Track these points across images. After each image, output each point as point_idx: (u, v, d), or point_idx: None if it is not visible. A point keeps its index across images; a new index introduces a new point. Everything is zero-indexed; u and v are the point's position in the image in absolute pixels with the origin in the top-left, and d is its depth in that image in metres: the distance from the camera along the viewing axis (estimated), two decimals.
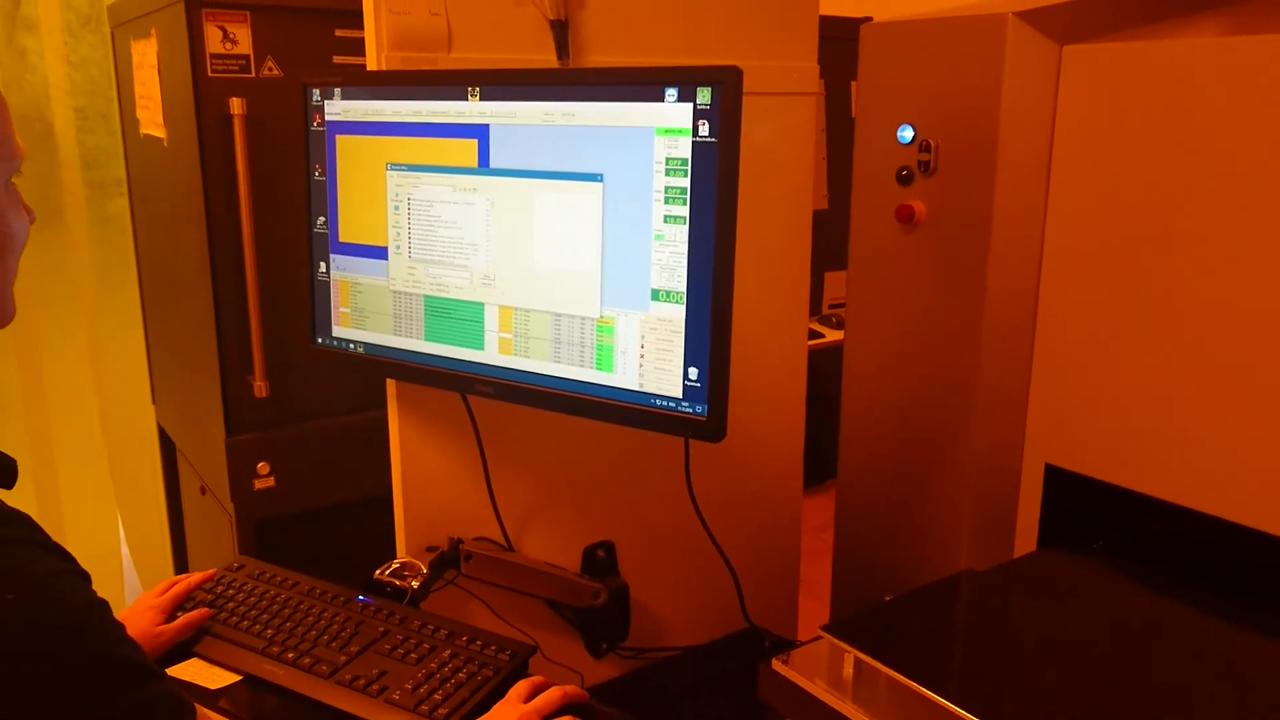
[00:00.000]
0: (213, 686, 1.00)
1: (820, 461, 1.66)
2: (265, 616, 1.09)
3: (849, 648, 0.96)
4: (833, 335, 2.56)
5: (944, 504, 1.36)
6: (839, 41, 1.68)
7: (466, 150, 1.05)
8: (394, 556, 1.26)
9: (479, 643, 1.03)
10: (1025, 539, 1.29)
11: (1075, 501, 1.24)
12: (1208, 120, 1.03)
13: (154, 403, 2.52)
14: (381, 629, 1.06)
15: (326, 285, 1.19)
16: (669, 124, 0.93)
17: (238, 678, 1.01)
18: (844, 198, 1.46)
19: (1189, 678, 0.97)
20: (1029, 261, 1.26)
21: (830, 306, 2.78)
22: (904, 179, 1.35)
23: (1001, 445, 1.30)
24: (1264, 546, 1.01)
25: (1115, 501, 1.16)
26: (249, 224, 1.71)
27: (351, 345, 1.19)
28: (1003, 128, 1.21)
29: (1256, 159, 1.00)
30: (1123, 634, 1.04)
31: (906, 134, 1.34)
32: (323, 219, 1.18)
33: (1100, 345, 1.18)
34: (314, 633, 1.05)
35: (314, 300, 1.21)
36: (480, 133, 1.04)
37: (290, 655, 1.02)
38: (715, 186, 0.91)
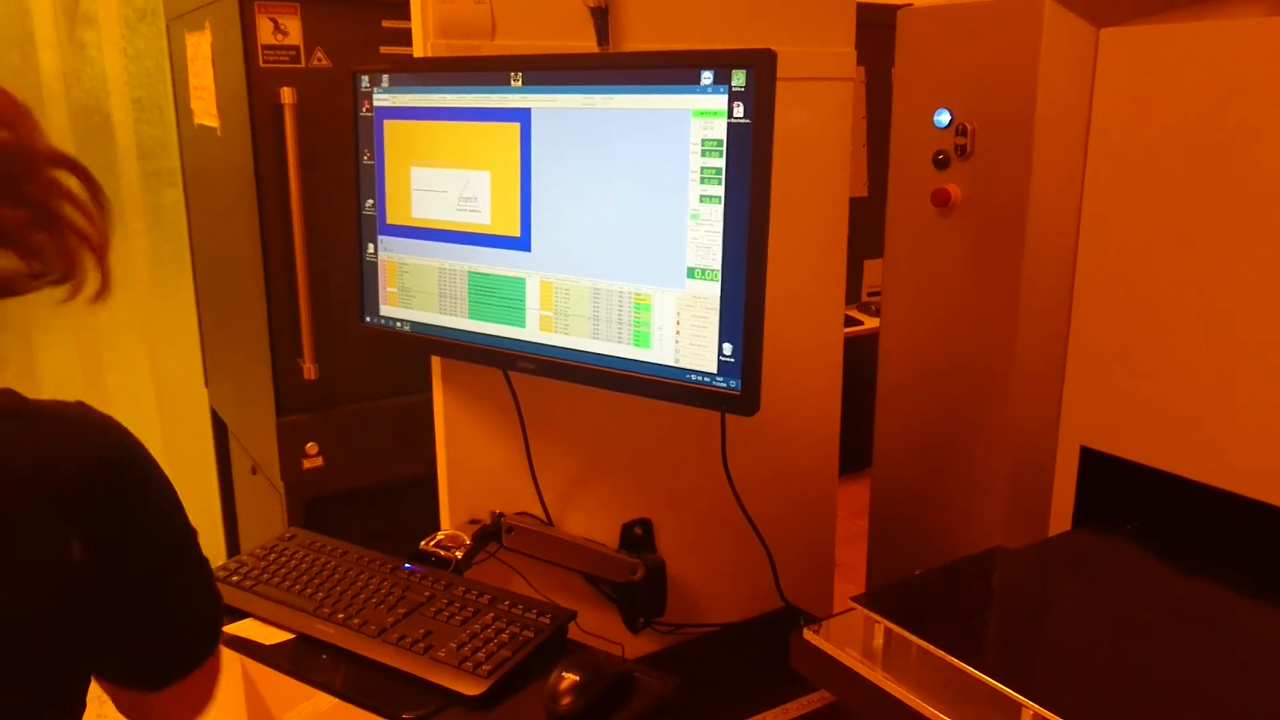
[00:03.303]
0: (267, 642, 1.05)
1: (856, 449, 1.68)
2: (317, 581, 1.13)
3: (880, 618, 0.98)
4: (871, 323, 2.56)
5: (979, 487, 1.37)
6: (880, 29, 1.70)
7: (509, 134, 1.09)
8: (438, 531, 1.30)
9: (520, 607, 1.07)
10: (1059, 522, 1.29)
11: (1110, 484, 1.24)
12: (1248, 103, 1.03)
13: (206, 386, 2.60)
14: (427, 593, 1.10)
15: (375, 265, 1.24)
16: (705, 106, 0.96)
17: (291, 636, 1.06)
18: (884, 186, 1.47)
19: (1220, 659, 0.98)
20: (1065, 244, 1.26)
21: (870, 294, 2.79)
22: (940, 163, 1.36)
23: (1036, 428, 1.31)
24: None
25: (1150, 484, 1.17)
26: (299, 210, 1.76)
27: (398, 324, 1.23)
28: (1039, 111, 1.22)
29: None
30: (1155, 613, 1.05)
31: (943, 118, 1.35)
32: (371, 201, 1.22)
33: (1136, 328, 1.18)
34: (363, 596, 1.10)
35: (362, 280, 1.25)
36: (523, 116, 1.08)
37: (340, 616, 1.07)
38: (750, 167, 0.94)
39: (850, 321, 2.49)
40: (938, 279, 1.39)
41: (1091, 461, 1.25)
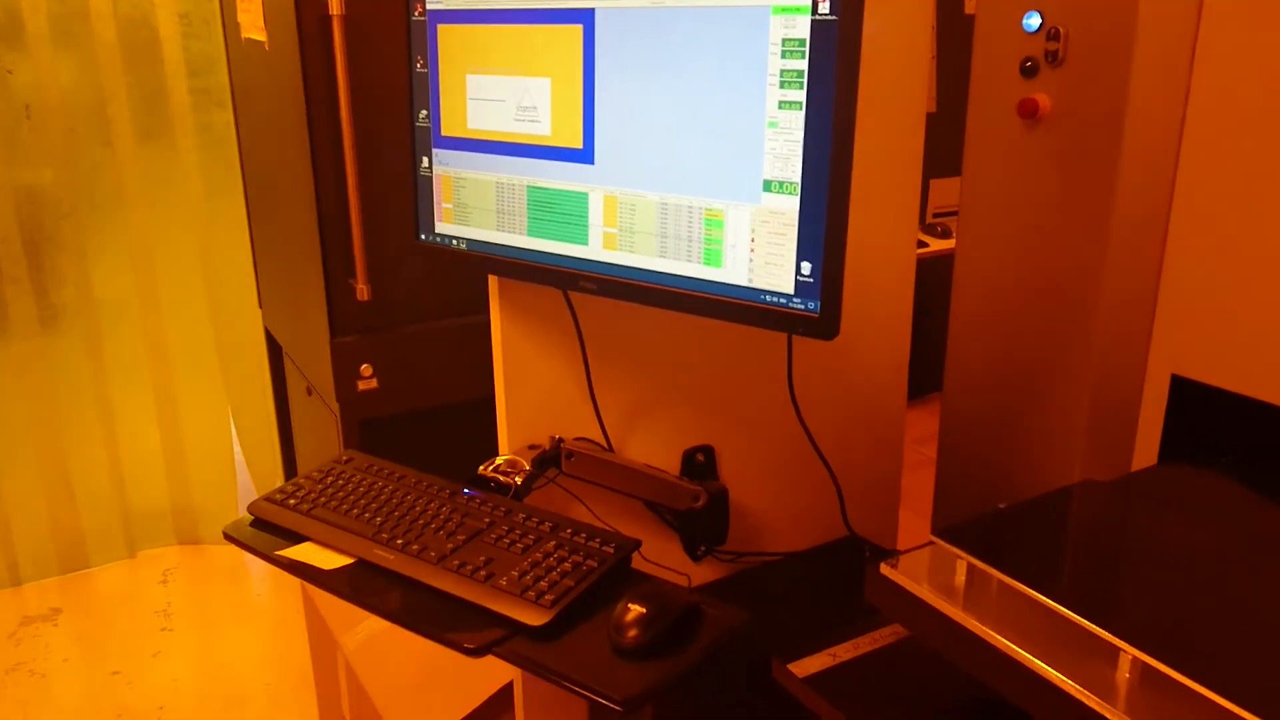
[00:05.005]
0: (326, 567, 1.03)
1: (919, 375, 1.61)
2: (375, 505, 1.11)
3: (960, 552, 0.93)
4: (938, 245, 2.47)
5: (1057, 417, 1.31)
6: None
7: (571, 37, 1.02)
8: (496, 455, 1.27)
9: (583, 535, 1.04)
10: (1145, 456, 1.23)
11: (1202, 414, 1.17)
12: None
13: (260, 306, 2.60)
14: (487, 520, 1.07)
15: (429, 180, 1.19)
16: (786, 2, 0.88)
17: (350, 560, 1.04)
18: (954, 100, 1.39)
19: None
20: (1164, 160, 1.17)
21: (935, 215, 2.69)
22: (1028, 71, 1.27)
23: (1123, 355, 1.24)
24: None
25: (1245, 414, 1.10)
26: (349, 125, 1.72)
27: (454, 241, 1.19)
28: (1141, 13, 1.12)
29: None
30: (1250, 550, 0.99)
31: (1033, 21, 1.25)
32: (425, 112, 1.17)
33: (1235, 249, 1.10)
34: (421, 521, 1.07)
35: (417, 196, 1.20)
36: (586, 17, 1.01)
37: (399, 542, 1.04)
38: (835, 68, 0.86)
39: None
40: (1022, 197, 1.31)
41: (1182, 390, 1.18)
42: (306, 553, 1.06)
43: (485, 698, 1.42)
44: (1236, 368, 1.12)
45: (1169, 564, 0.98)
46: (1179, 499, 1.11)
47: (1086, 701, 0.76)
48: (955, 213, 1.47)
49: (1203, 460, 1.17)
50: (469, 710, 1.41)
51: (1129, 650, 0.79)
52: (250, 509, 1.15)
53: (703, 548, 1.36)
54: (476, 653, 0.92)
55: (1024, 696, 0.82)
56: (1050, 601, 0.85)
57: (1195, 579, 0.94)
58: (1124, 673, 0.78)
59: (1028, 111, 1.27)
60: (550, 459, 1.26)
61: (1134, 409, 1.25)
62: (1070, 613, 0.84)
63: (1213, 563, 0.96)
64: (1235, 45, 1.07)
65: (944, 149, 1.39)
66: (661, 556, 1.34)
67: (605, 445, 1.31)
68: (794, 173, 0.91)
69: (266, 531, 1.12)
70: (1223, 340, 1.13)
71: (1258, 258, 1.07)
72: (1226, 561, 0.97)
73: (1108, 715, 0.74)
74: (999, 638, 0.86)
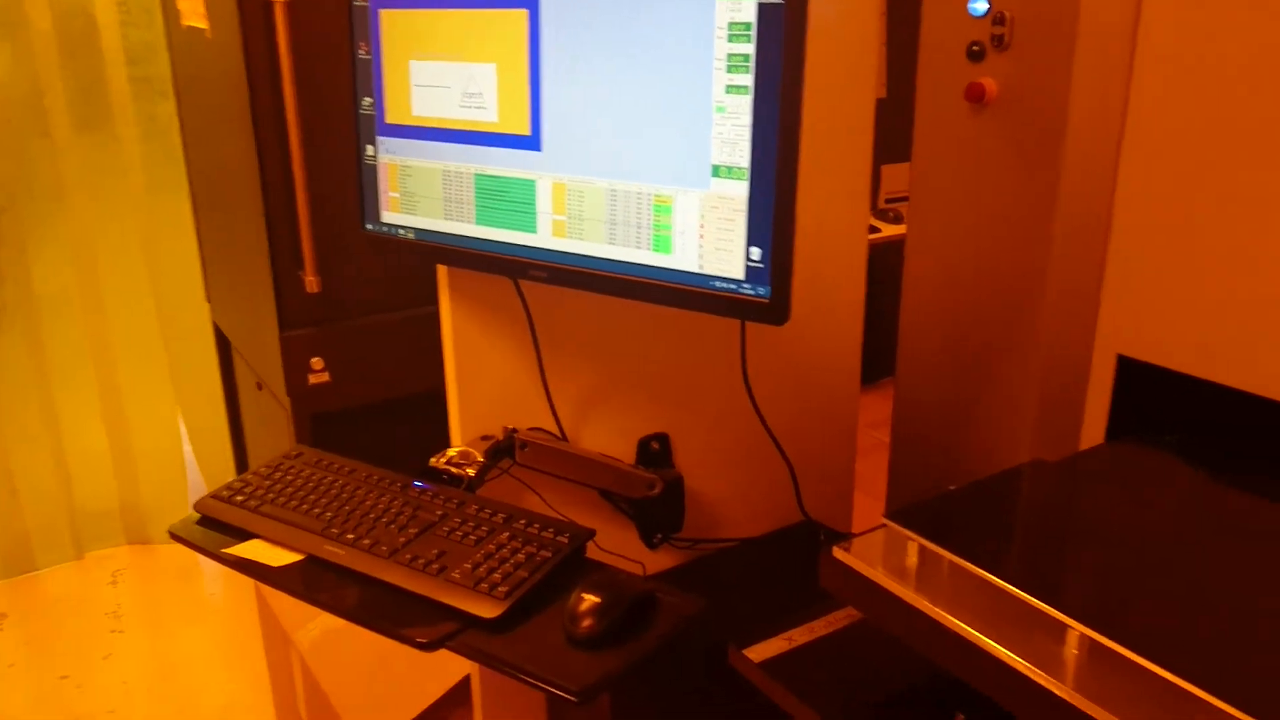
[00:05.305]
0: (275, 564, 1.01)
1: (872, 359, 1.62)
2: (325, 500, 1.09)
3: (913, 535, 0.94)
4: (889, 230, 2.49)
5: (1007, 399, 1.32)
6: None
7: (516, 21, 1.01)
8: (449, 447, 1.26)
9: (537, 525, 1.03)
10: (1092, 435, 1.25)
11: (1148, 393, 1.19)
12: None
13: (208, 301, 2.55)
14: (439, 512, 1.06)
15: (374, 169, 1.17)
16: None
17: (300, 557, 1.02)
18: (905, 86, 1.39)
19: (1265, 572, 0.94)
20: (1108, 142, 1.19)
21: (887, 200, 2.70)
22: (975, 55, 1.28)
23: (1071, 336, 1.26)
24: None
25: (1189, 392, 1.11)
26: (295, 114, 1.68)
27: (401, 231, 1.17)
28: None
29: None
30: (1195, 526, 1.01)
31: (979, 6, 1.26)
32: (369, 100, 1.14)
33: (1179, 231, 1.12)
34: (373, 515, 1.06)
35: (362, 184, 1.18)
36: (531, 2, 0.99)
37: (350, 536, 1.03)
38: (782, 52, 0.86)
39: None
40: (970, 181, 1.32)
41: (1129, 370, 1.20)
42: (255, 550, 1.04)
43: (443, 692, 1.40)
44: (1181, 347, 1.14)
45: (1116, 541, 0.99)
46: (1125, 476, 1.13)
47: (1036, 679, 0.77)
48: (907, 198, 1.47)
49: (1148, 438, 1.19)
50: (427, 705, 1.40)
51: (1077, 627, 0.80)
52: (197, 507, 1.13)
53: (659, 536, 1.36)
54: (429, 647, 0.91)
55: (976, 675, 0.83)
56: (1000, 581, 0.86)
57: (1141, 555, 0.95)
58: (1072, 649, 0.79)
59: (975, 96, 1.28)
60: (504, 450, 1.24)
61: (1082, 389, 1.26)
62: (1019, 591, 0.85)
63: (1158, 539, 0.98)
64: (1177, 28, 1.09)
65: (895, 134, 1.40)
66: (617, 545, 1.34)
67: (559, 435, 1.30)
68: (742, 158, 0.90)
69: (215, 530, 1.10)
70: (1167, 320, 1.15)
71: (1201, 240, 1.09)
72: (1172, 537, 0.98)
73: (1057, 691, 0.75)
74: (950, 618, 0.86)
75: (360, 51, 1.13)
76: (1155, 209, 1.15)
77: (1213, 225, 1.07)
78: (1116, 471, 1.15)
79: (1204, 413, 1.16)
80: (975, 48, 1.28)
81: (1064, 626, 0.81)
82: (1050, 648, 0.80)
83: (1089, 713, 0.73)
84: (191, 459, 2.81)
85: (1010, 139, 1.26)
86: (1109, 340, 1.23)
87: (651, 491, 1.24)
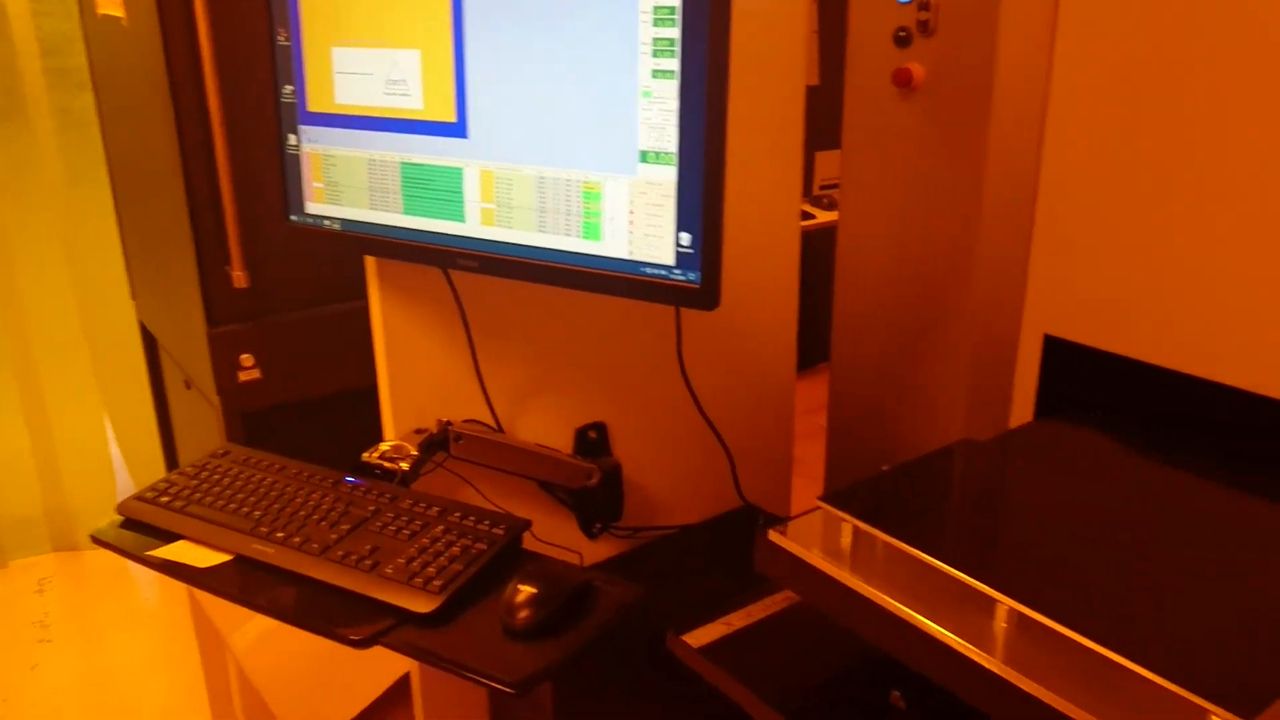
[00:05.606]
0: (202, 565, 0.98)
1: (809, 345, 1.64)
2: (254, 499, 1.07)
3: (846, 516, 0.95)
4: (824, 216, 2.51)
5: (939, 380, 1.34)
6: None
7: (439, 6, 0.99)
8: (382, 441, 1.24)
9: (472, 518, 1.02)
10: (1021, 413, 1.27)
11: (1074, 372, 1.22)
12: None
13: (133, 298, 2.48)
14: (372, 508, 1.04)
15: (297, 159, 1.14)
16: None
17: (228, 557, 1.00)
18: (838, 73, 1.40)
19: (1187, 543, 0.96)
20: (1031, 125, 1.21)
21: (821, 187, 2.73)
22: (901, 40, 1.29)
23: (998, 317, 1.28)
24: (1266, 411, 0.99)
25: (1114, 370, 1.14)
26: (217, 104, 1.64)
27: (327, 222, 1.14)
28: None
29: None
30: (1123, 501, 1.04)
31: None
32: (290, 88, 1.12)
33: (1102, 211, 1.14)
34: (303, 513, 1.04)
35: (285, 174, 1.15)
36: None
37: (280, 535, 1.00)
38: (707, 36, 0.85)
39: (802, 215, 2.43)
40: (899, 165, 1.33)
41: (1055, 349, 1.22)
42: (180, 551, 1.01)
43: (382, 690, 1.38)
44: (1105, 327, 1.16)
45: (1044, 517, 1.01)
46: (1053, 454, 1.15)
47: (969, 654, 0.78)
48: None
49: (1075, 416, 1.21)
50: (366, 704, 1.37)
51: (1007, 602, 0.81)
52: (120, 509, 1.10)
53: (598, 525, 1.35)
54: (363, 644, 0.89)
55: (911, 653, 0.84)
56: (932, 559, 0.87)
57: (1069, 531, 0.97)
58: (1003, 624, 0.80)
59: (902, 81, 1.29)
60: (438, 443, 1.23)
61: (1011, 369, 1.29)
62: (952, 569, 0.86)
63: (1085, 514, 1.00)
64: (1097, 10, 1.11)
65: (829, 121, 1.41)
66: (556, 536, 1.33)
67: (495, 426, 1.29)
68: (670, 143, 0.90)
69: (140, 532, 1.07)
70: (1092, 300, 1.17)
71: (1124, 221, 1.11)
72: (1098, 513, 1.01)
73: (989, 666, 0.76)
74: (885, 597, 0.87)
75: (280, 38, 1.10)
76: (1079, 191, 1.17)
77: (1135, 207, 1.10)
78: (1044, 449, 1.17)
79: (1129, 390, 1.18)
80: (902, 33, 1.29)
81: (995, 602, 0.82)
82: (982, 623, 0.81)
83: (1021, 686, 0.74)
84: (120, 462, 2.73)
85: (937, 122, 1.28)
86: (1036, 321, 1.25)
87: (590, 481, 1.23)
